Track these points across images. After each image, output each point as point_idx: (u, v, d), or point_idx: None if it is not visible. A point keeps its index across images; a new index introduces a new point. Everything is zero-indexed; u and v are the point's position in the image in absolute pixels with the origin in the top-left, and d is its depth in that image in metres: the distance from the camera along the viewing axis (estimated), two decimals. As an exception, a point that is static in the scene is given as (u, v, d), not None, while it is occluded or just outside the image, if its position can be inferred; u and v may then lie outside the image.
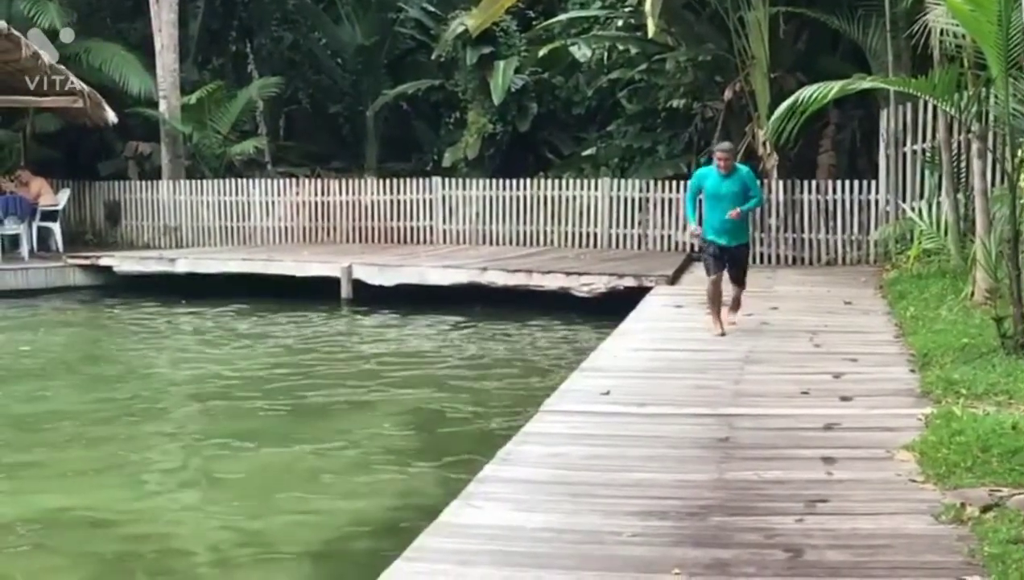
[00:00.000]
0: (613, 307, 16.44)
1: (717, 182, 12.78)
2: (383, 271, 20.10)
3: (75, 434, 12.05)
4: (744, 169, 13.17)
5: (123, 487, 10.19)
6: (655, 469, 7.63)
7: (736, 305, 13.48)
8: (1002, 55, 10.32)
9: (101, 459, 11.05)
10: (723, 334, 12.83)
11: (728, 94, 21.35)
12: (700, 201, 13.17)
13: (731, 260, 13.06)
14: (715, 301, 13.02)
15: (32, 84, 23.11)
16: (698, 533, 6.35)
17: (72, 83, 23.08)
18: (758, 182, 13.42)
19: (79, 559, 8.39)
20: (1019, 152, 10.28)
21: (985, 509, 6.37)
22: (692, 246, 20.85)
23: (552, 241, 22.93)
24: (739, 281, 13.29)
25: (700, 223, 13.25)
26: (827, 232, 20.59)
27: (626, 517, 6.62)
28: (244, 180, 25.39)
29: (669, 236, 21.94)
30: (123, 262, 22.42)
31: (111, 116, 23.81)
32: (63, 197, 24.96)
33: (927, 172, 18.63)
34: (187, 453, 11.51)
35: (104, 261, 22.59)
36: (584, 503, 6.91)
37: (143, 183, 26.11)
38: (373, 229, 24.36)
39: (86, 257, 22.90)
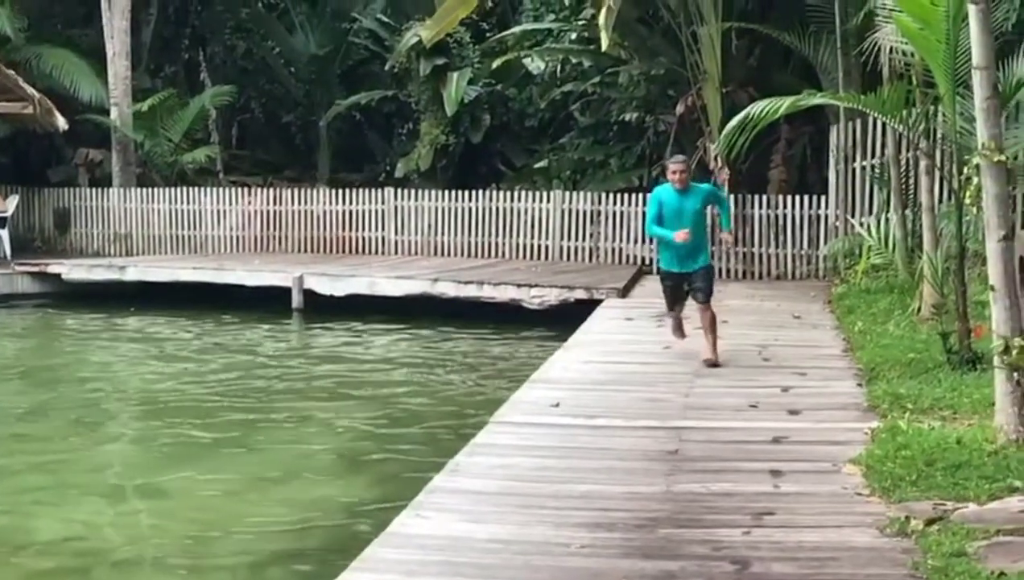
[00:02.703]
0: (564, 319, 16.48)
1: (675, 200, 11.82)
2: (335, 281, 20.05)
3: (10, 440, 11.95)
4: (704, 186, 12.56)
5: (61, 498, 10.10)
6: (604, 481, 7.66)
7: (713, 341, 12.02)
8: (950, 73, 10.43)
9: (39, 469, 10.96)
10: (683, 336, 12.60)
11: (680, 108, 21.45)
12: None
13: (695, 281, 12.03)
14: (677, 327, 12.61)
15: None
16: (646, 545, 6.38)
17: (22, 88, 22.91)
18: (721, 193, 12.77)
19: (13, 573, 8.33)
20: (965, 169, 10.39)
21: (929, 522, 6.43)
22: (644, 259, 20.99)
23: (504, 253, 22.95)
24: (705, 300, 11.96)
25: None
26: (777, 246, 20.69)
27: (575, 529, 6.64)
28: (196, 188, 25.29)
29: (620, 249, 22.01)
30: (72, 270, 22.27)
31: (61, 122, 23.63)
32: (11, 203, 24.78)
33: (876, 188, 18.80)
34: (129, 464, 11.44)
35: (53, 268, 22.42)
36: (533, 514, 6.93)
37: (93, 190, 25.93)
38: (325, 239, 24.30)
39: (35, 264, 22.73)
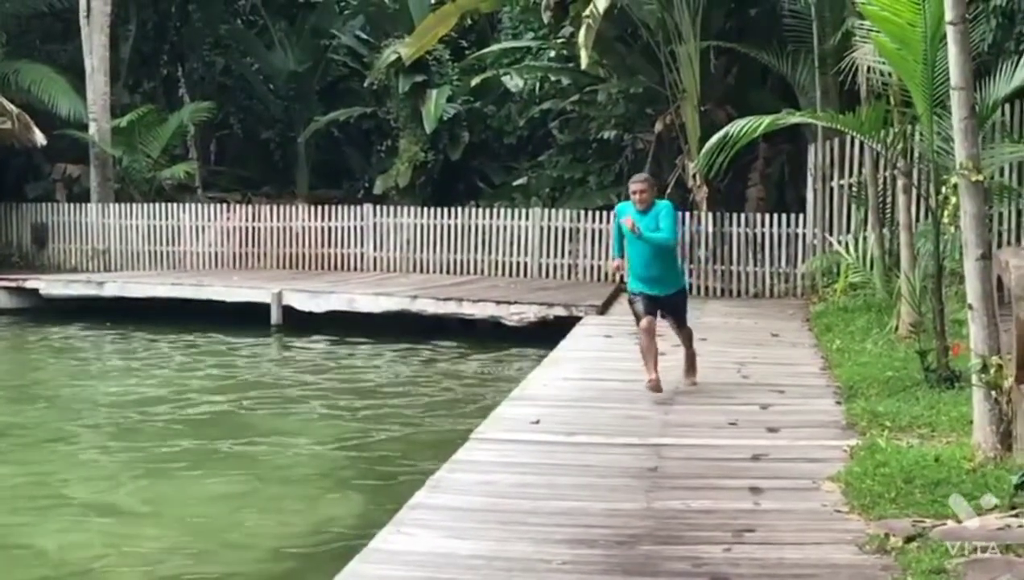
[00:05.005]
0: (543, 336, 16.50)
1: (635, 219, 11.03)
2: (313, 297, 20.04)
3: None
4: (663, 203, 11.37)
5: (38, 514, 10.07)
6: (585, 498, 7.67)
7: (692, 364, 11.85)
8: (927, 93, 10.49)
9: (14, 485, 10.92)
10: (658, 389, 10.93)
11: (659, 126, 21.50)
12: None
13: (667, 309, 11.50)
14: (649, 350, 11.07)
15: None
16: (627, 561, 6.39)
17: (0, 104, 22.87)
18: (674, 217, 11.47)
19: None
20: (943, 188, 10.45)
21: (908, 539, 6.46)
22: (620, 277, 20.98)
23: (483, 270, 22.95)
24: (680, 325, 11.67)
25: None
26: (755, 265, 20.73)
27: (555, 545, 6.65)
28: (174, 204, 25.23)
29: (599, 266, 22.02)
30: (50, 285, 22.16)
31: (39, 137, 23.62)
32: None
33: (854, 207, 18.88)
34: (105, 479, 11.36)
35: (31, 284, 22.29)
36: (514, 531, 6.94)
37: (71, 206, 25.85)
38: (304, 255, 24.27)
39: (12, 280, 22.60)
